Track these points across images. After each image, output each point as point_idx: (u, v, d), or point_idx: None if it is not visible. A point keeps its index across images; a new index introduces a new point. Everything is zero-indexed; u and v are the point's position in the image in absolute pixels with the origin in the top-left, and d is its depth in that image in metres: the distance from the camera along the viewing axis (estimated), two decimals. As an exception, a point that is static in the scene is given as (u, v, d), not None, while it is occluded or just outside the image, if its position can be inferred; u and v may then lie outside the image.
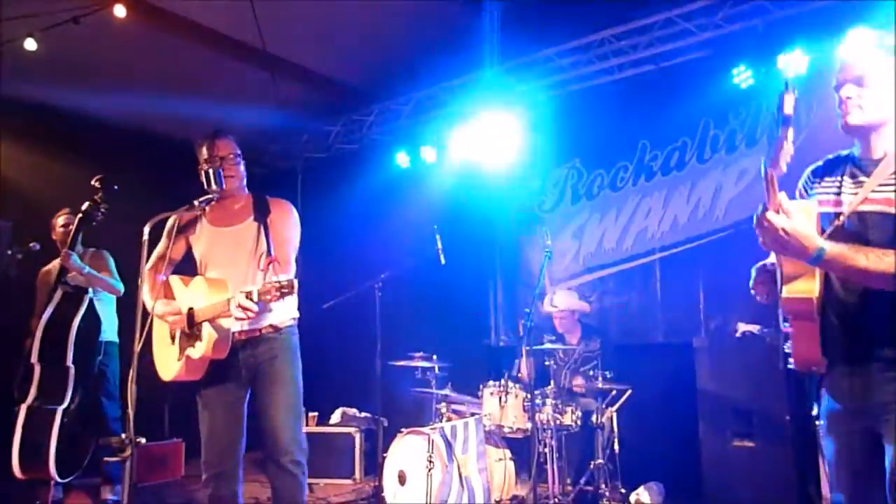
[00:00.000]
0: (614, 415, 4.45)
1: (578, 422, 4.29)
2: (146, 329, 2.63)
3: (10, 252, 4.45)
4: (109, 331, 4.41)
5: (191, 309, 2.86)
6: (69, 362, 3.90)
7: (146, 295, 2.86)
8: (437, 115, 6.19)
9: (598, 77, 5.57)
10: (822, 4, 4.47)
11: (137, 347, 2.70)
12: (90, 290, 4.17)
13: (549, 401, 4.19)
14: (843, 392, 1.92)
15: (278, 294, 2.53)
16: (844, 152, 2.02)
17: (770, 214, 1.74)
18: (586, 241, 5.79)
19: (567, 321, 4.85)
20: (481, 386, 4.41)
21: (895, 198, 1.81)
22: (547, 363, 4.41)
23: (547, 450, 4.13)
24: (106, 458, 4.25)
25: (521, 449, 4.48)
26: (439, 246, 4.51)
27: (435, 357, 4.71)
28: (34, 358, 3.88)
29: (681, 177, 5.30)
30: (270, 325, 2.92)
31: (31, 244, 4.41)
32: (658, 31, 5.17)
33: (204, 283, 2.90)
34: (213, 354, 2.80)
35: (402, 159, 6.41)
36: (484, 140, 5.74)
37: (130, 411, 2.60)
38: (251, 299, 2.58)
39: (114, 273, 4.38)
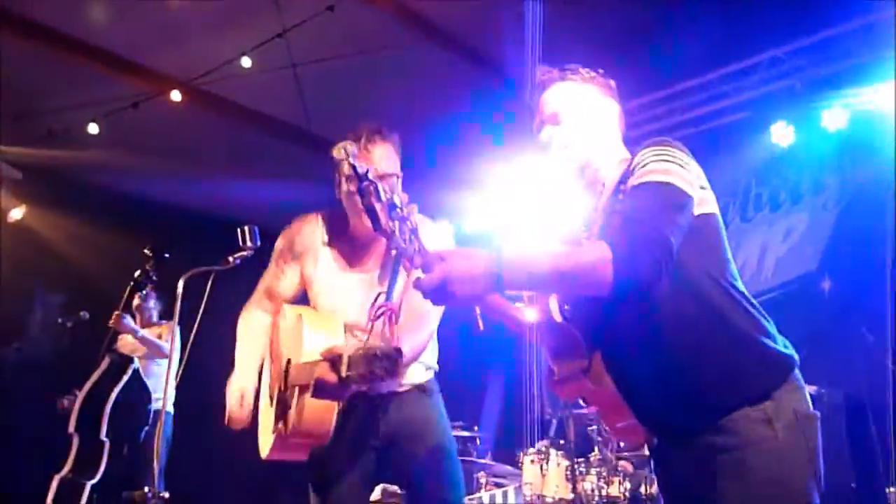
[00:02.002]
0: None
1: (627, 493, 4.05)
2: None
3: (60, 321, 4.61)
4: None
5: (288, 361, 2.07)
6: (103, 435, 3.87)
7: (239, 335, 2.20)
8: (474, 186, 6.29)
9: (637, 143, 5.58)
10: (858, 61, 4.44)
11: (165, 406, 2.70)
12: (136, 359, 4.23)
13: (593, 469, 3.99)
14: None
15: (368, 370, 1.65)
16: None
17: (420, 278, 1.35)
18: (631, 309, 5.64)
19: None
20: (521, 453, 4.24)
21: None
22: (591, 428, 4.23)
23: (593, 523, 3.90)
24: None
25: (566, 522, 4.24)
26: (478, 312, 4.45)
27: (476, 428, 4.58)
28: (72, 428, 3.90)
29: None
30: (413, 386, 2.19)
31: (81, 313, 4.56)
32: (697, 95, 5.20)
33: (332, 323, 2.08)
34: (302, 437, 1.99)
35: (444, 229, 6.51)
36: (518, 209, 5.80)
37: (155, 464, 2.60)
38: (337, 371, 1.74)
39: (176, 342, 4.42)
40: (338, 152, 1.43)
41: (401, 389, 2.16)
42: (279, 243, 2.27)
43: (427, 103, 5.98)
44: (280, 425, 2.07)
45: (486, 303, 1.68)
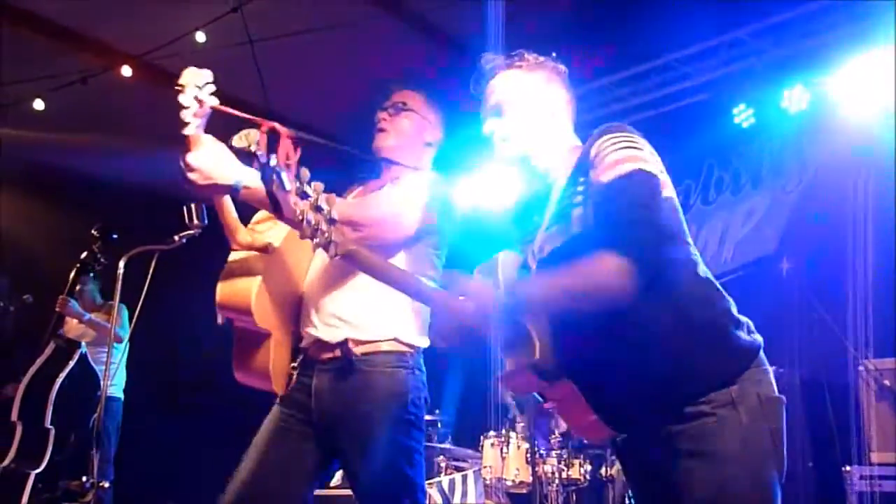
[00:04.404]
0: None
1: (587, 475, 4.04)
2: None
3: (3, 305, 4.42)
4: (114, 386, 4.29)
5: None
6: (48, 423, 3.73)
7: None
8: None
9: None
10: (818, 41, 4.44)
11: (105, 382, 2.60)
12: (83, 344, 4.08)
13: (553, 451, 3.97)
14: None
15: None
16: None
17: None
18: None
19: None
20: (482, 437, 4.21)
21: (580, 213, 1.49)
22: (551, 410, 4.20)
23: (553, 506, 3.88)
24: (64, 504, 4.05)
25: (526, 505, 4.22)
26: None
27: (437, 411, 4.53)
28: (14, 416, 3.75)
29: (686, 220, 5.17)
30: (352, 341, 1.95)
31: (25, 297, 4.38)
32: (657, 77, 5.17)
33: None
34: (224, 311, 2.00)
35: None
36: (487, 190, 5.75)
37: (95, 453, 2.49)
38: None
39: (123, 323, 4.29)
40: (239, 141, 1.39)
41: (336, 353, 1.96)
42: None
43: (389, 81, 5.87)
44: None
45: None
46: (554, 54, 1.71)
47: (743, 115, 4.75)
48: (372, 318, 1.97)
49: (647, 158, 1.45)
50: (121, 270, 2.62)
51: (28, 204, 5.67)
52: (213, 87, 1.67)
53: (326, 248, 1.34)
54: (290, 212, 1.32)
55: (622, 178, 1.42)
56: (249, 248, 2.01)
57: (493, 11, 5.04)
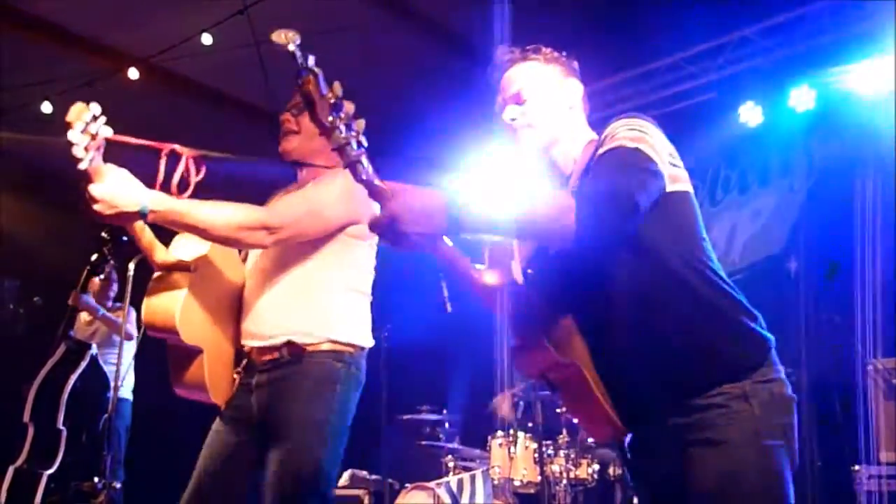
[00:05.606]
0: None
1: (595, 475, 4.05)
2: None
3: (11, 307, 4.45)
4: (123, 388, 4.32)
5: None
6: (60, 424, 3.77)
7: None
8: (441, 164, 6.19)
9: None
10: (825, 40, 4.43)
11: (115, 383, 2.62)
12: (94, 346, 4.11)
13: (561, 452, 3.97)
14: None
15: None
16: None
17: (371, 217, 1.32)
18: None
19: None
20: (489, 437, 4.21)
21: None
22: (559, 410, 4.21)
23: (561, 506, 3.89)
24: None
25: (534, 504, 4.23)
26: (445, 294, 4.40)
27: (445, 411, 4.55)
28: (27, 417, 3.78)
29: (694, 220, 5.17)
30: (289, 343, 2.02)
31: (35, 299, 4.41)
32: (663, 76, 5.16)
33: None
34: (155, 332, 2.04)
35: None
36: (491, 187, 5.72)
37: (106, 454, 2.51)
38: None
39: (133, 324, 4.31)
40: (277, 38, 1.36)
41: (275, 353, 2.03)
42: None
43: (393, 84, 5.87)
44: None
45: (443, 256, 1.53)
46: (564, 52, 1.72)
47: (750, 115, 4.74)
48: (309, 320, 2.04)
49: (651, 144, 1.45)
50: (131, 273, 2.64)
51: (37, 207, 5.69)
52: (104, 119, 1.74)
53: (353, 169, 1.27)
54: (323, 117, 1.27)
55: (610, 150, 1.44)
56: (171, 268, 2.03)
57: (499, 12, 5.04)
